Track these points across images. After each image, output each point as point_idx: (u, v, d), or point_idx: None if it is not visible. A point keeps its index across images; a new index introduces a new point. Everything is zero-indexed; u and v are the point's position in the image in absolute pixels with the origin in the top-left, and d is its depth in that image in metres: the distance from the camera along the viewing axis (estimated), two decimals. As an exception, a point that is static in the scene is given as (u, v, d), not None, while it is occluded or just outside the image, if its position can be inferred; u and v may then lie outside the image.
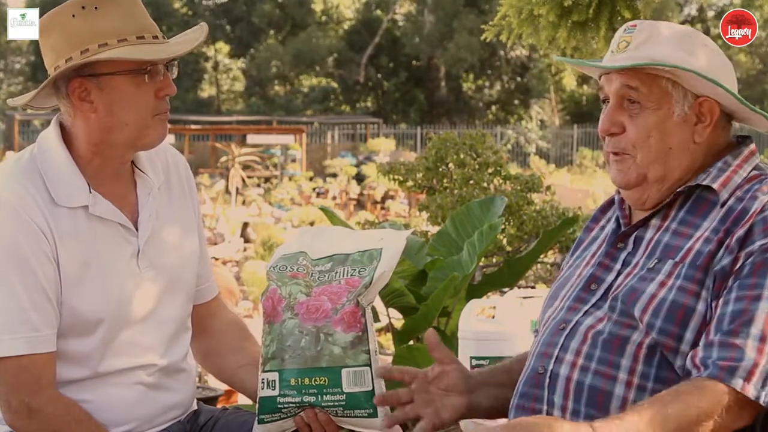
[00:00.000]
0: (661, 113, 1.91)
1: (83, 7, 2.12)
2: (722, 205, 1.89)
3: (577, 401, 1.87)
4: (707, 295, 1.83)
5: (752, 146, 1.99)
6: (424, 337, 2.10)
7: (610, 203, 2.14)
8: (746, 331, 1.75)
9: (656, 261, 1.90)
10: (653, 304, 1.84)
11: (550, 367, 1.92)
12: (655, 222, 1.96)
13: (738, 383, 1.73)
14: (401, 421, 2.10)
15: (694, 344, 1.81)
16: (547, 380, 1.92)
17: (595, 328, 1.90)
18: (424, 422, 2.06)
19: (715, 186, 1.90)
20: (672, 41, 1.91)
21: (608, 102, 1.97)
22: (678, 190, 1.93)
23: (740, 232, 1.83)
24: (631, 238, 1.98)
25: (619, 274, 1.95)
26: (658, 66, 1.88)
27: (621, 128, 1.94)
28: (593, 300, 1.95)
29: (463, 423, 2.26)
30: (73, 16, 2.12)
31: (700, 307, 1.83)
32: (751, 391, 1.73)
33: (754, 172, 1.94)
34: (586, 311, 1.94)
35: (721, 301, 1.81)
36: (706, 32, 39.61)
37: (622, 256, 1.97)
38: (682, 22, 37.71)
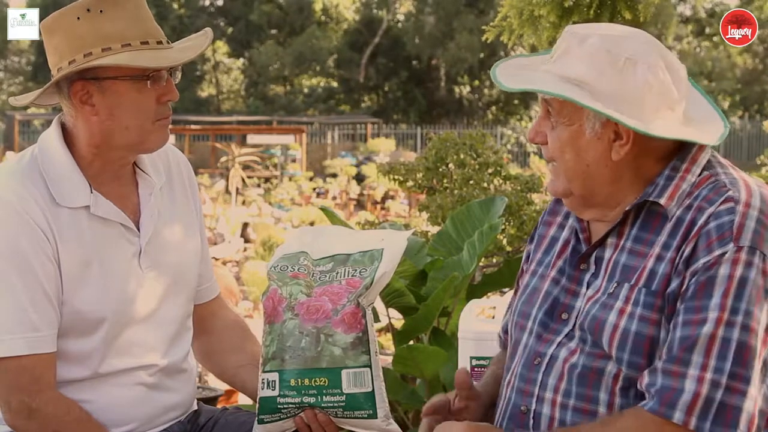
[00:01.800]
0: (573, 129, 1.85)
1: (88, 10, 2.12)
2: (671, 218, 1.81)
3: None
4: (665, 321, 1.77)
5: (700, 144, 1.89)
6: (456, 377, 2.03)
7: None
8: (688, 358, 1.70)
9: (615, 284, 1.84)
10: (617, 336, 1.79)
11: (533, 407, 1.89)
12: (611, 240, 1.89)
13: (679, 417, 1.68)
14: None
15: None
16: (531, 420, 1.88)
17: (569, 362, 1.85)
18: None
19: (662, 201, 1.82)
20: (586, 58, 1.81)
21: None
22: (627, 209, 1.85)
23: (687, 249, 1.76)
24: (592, 259, 1.91)
25: (584, 297, 1.89)
26: (544, 93, 1.83)
27: (544, 138, 1.89)
28: (565, 330, 1.89)
29: None
30: (78, 18, 2.12)
31: (663, 334, 1.76)
32: (693, 423, 1.68)
33: (705, 173, 1.84)
34: (559, 342, 1.89)
35: (671, 325, 1.75)
36: (701, 32, 39.52)
37: (586, 278, 1.91)
38: (681, 22, 37.67)
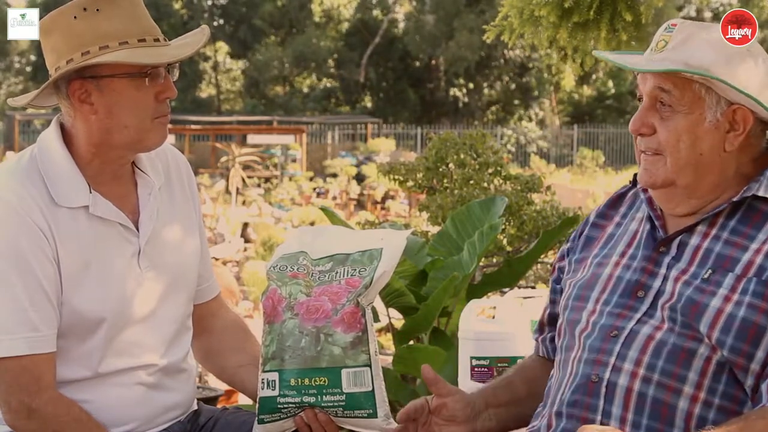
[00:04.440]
0: (692, 118, 1.87)
1: (85, 9, 2.12)
2: None
3: (638, 413, 1.84)
4: None
5: None
6: (422, 374, 2.07)
7: (619, 198, 2.11)
8: None
9: (710, 272, 1.86)
10: (721, 320, 1.81)
11: (606, 375, 1.88)
12: (701, 228, 1.92)
13: None
14: None
15: (765, 363, 1.79)
16: (603, 389, 1.87)
17: (655, 338, 1.86)
18: None
19: None
20: (710, 45, 1.87)
21: (642, 101, 1.93)
22: (735, 200, 1.89)
23: None
24: (675, 243, 1.93)
25: (665, 279, 1.91)
26: (688, 73, 1.85)
27: (651, 129, 1.91)
28: (643, 308, 1.91)
29: None
30: (75, 17, 2.12)
31: None
32: None
33: None
34: (639, 319, 1.90)
35: None
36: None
37: (666, 260, 1.93)
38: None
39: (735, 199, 1.88)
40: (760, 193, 1.87)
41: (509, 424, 2.09)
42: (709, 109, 1.86)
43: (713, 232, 1.90)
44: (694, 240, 1.92)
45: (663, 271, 1.92)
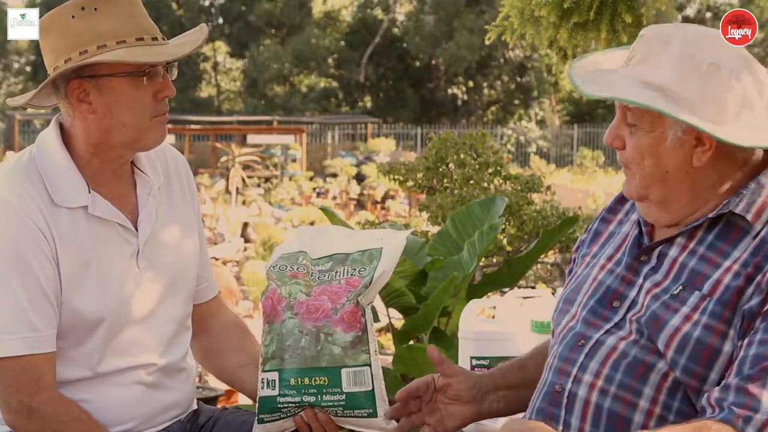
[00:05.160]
0: (653, 136, 1.82)
1: (83, 8, 2.12)
2: (755, 236, 1.79)
3: (595, 425, 1.82)
4: (735, 335, 1.75)
5: None
6: (427, 355, 2.07)
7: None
8: (765, 378, 1.68)
9: (681, 288, 1.82)
10: (676, 339, 1.78)
11: (568, 386, 1.87)
12: (680, 240, 1.87)
13: None
14: (407, 430, 2.10)
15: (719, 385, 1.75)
16: (565, 400, 1.87)
17: (618, 350, 1.84)
18: (424, 430, 2.07)
19: (749, 217, 1.80)
20: (669, 63, 1.79)
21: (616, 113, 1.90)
22: (710, 216, 1.83)
23: None
24: (655, 253, 1.90)
25: (640, 289, 1.88)
26: (630, 103, 1.79)
27: (622, 143, 1.87)
28: (615, 319, 1.88)
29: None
30: (73, 17, 2.12)
31: (727, 347, 1.75)
32: None
33: None
34: (608, 330, 1.87)
35: (746, 341, 1.73)
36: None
37: (645, 270, 1.89)
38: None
39: (711, 215, 1.83)
40: (737, 210, 1.81)
41: (519, 406, 2.08)
42: (670, 128, 1.80)
43: (691, 245, 1.86)
44: (673, 251, 1.88)
45: (640, 281, 1.89)
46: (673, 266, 1.86)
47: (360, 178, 24.88)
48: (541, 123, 40.33)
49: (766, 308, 1.73)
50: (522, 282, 6.05)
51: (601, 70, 1.90)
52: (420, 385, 2.08)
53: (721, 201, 1.84)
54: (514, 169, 7.07)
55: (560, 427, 1.86)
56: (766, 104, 1.83)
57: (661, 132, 1.82)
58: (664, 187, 1.85)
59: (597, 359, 1.85)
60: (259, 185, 24.56)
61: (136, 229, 2.23)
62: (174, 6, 42.49)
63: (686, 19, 38.72)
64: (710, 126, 1.75)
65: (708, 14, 39.39)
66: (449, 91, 41.42)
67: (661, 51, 1.81)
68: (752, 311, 1.74)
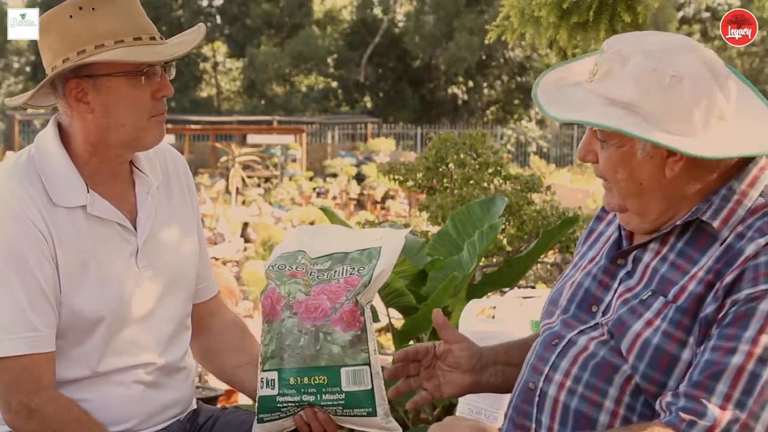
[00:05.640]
0: (624, 150, 1.81)
1: (80, 8, 2.12)
2: (722, 243, 1.78)
3: (562, 424, 1.84)
4: (693, 343, 1.75)
5: (762, 163, 1.85)
6: (432, 318, 2.09)
7: None
8: (713, 386, 1.67)
9: (649, 293, 1.82)
10: (637, 344, 1.78)
11: (540, 384, 1.89)
12: (654, 246, 1.88)
13: None
14: (405, 392, 2.12)
15: None
16: (537, 398, 1.89)
17: (588, 350, 1.85)
18: (420, 394, 2.10)
19: (715, 224, 1.79)
20: (631, 79, 1.76)
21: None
22: (678, 223, 1.83)
23: (729, 278, 1.73)
24: (631, 257, 1.90)
25: (614, 293, 1.89)
26: (594, 125, 1.79)
27: (595, 157, 1.86)
28: (592, 322, 1.89)
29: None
30: (71, 16, 2.12)
31: (686, 355, 1.75)
32: None
33: (760, 201, 1.81)
34: (581, 330, 1.89)
35: (702, 348, 1.72)
36: (704, 34, 39.57)
37: (620, 274, 1.90)
38: (681, 23, 37.62)
39: (679, 222, 1.83)
40: (704, 218, 1.80)
41: (509, 383, 2.08)
42: (639, 142, 1.79)
43: (663, 251, 1.85)
44: (646, 257, 1.88)
45: (615, 285, 1.90)
46: (645, 272, 1.86)
47: (360, 178, 24.87)
48: (540, 123, 40.32)
49: (720, 315, 1.73)
50: (522, 282, 6.05)
51: (564, 86, 1.88)
52: (420, 349, 2.10)
53: (693, 207, 1.83)
54: (514, 169, 7.07)
55: (533, 425, 1.88)
56: (736, 108, 1.81)
57: (630, 147, 1.81)
58: (640, 198, 1.85)
59: (567, 359, 1.87)
60: (259, 185, 24.55)
61: (135, 229, 2.23)
62: (173, 6, 42.48)
63: (685, 19, 38.74)
64: (677, 140, 1.74)
65: (706, 14, 39.37)
66: (449, 91, 41.41)
67: (622, 67, 1.79)
68: (708, 319, 1.74)
